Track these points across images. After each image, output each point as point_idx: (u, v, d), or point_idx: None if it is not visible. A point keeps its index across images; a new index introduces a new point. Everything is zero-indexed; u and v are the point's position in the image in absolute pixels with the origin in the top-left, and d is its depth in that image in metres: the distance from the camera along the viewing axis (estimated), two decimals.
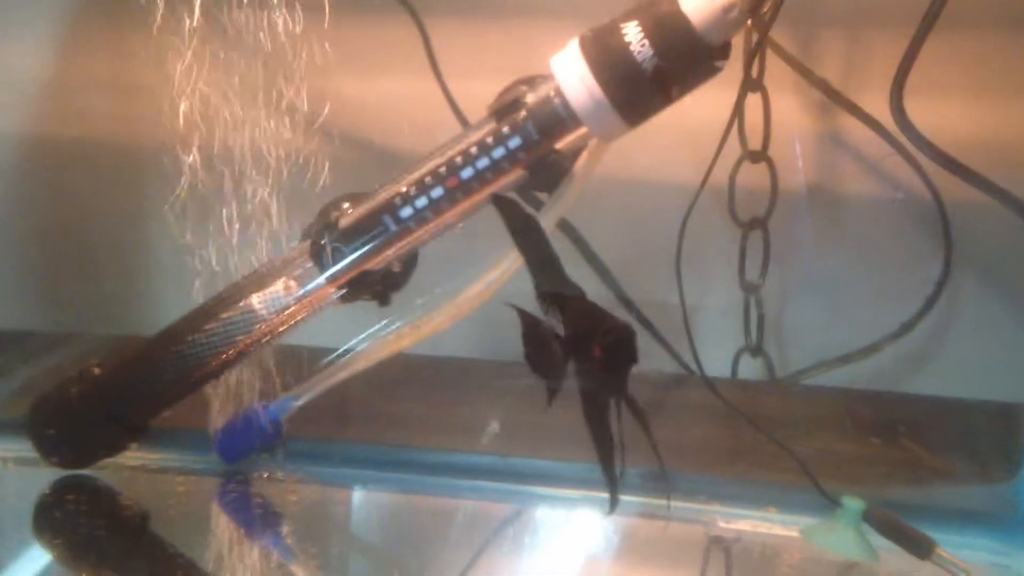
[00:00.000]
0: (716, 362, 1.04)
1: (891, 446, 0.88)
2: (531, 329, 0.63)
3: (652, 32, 0.64)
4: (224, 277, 0.79)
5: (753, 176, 0.99)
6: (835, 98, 0.93)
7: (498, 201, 0.68)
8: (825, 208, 1.01)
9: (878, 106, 0.91)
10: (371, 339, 0.78)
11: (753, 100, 0.95)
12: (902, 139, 0.89)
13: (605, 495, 0.61)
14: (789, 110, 0.96)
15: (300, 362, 0.80)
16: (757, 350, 1.04)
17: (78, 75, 1.04)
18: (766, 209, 1.00)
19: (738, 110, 0.95)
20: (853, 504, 0.71)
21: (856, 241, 1.01)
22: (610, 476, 0.61)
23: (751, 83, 0.91)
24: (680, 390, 0.99)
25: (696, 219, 0.99)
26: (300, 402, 0.78)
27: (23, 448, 0.79)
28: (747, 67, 0.89)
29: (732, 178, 0.99)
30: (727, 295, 1.03)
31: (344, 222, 0.72)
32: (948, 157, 0.83)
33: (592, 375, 0.59)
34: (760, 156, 0.98)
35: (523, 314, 0.64)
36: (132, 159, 1.01)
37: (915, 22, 0.84)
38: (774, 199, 1.00)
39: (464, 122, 0.93)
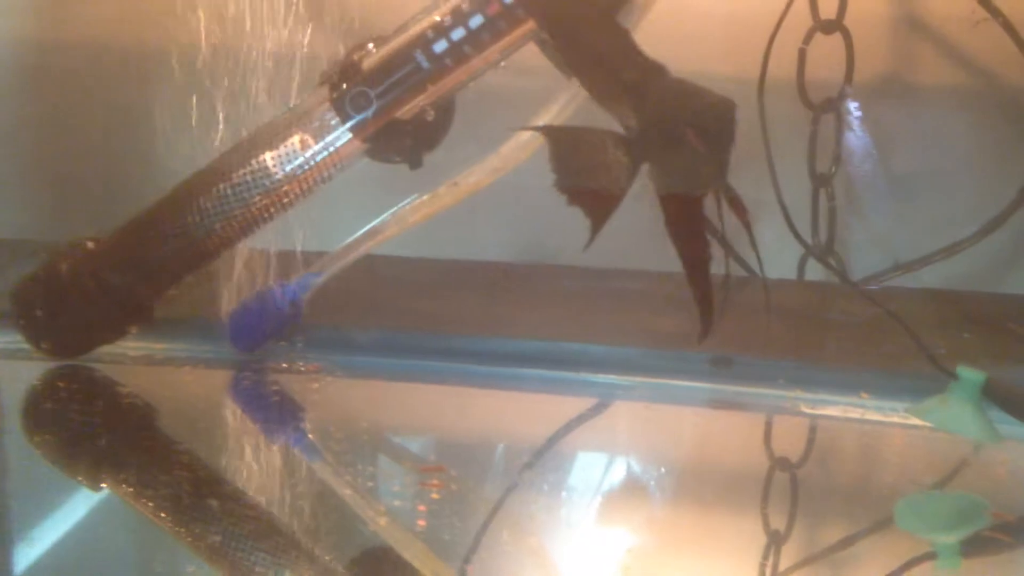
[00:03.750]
0: (778, 264, 0.94)
1: (990, 339, 0.77)
2: (569, 142, 0.54)
3: None
4: None
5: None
6: None
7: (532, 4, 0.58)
8: (903, 94, 0.93)
9: None
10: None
11: None
12: None
13: (654, 380, 0.52)
14: None
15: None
16: (827, 250, 0.94)
17: None
18: (839, 89, 0.90)
19: None
20: (971, 375, 0.60)
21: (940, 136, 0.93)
22: (705, 291, 0.51)
23: None
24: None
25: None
26: (322, 279, 0.68)
27: (10, 340, 0.70)
28: None
29: (802, 51, 0.89)
30: (792, 188, 0.93)
31: (368, 62, 0.63)
32: None
33: (681, 168, 0.49)
34: (834, 26, 0.88)
35: (550, 130, 0.55)
36: (138, 61, 0.96)
37: None
38: (849, 75, 0.90)
39: None
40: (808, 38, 0.90)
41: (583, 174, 0.55)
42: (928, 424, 0.62)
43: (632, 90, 0.54)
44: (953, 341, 0.76)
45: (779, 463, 0.61)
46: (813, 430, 0.66)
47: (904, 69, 0.94)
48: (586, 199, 0.55)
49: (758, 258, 0.58)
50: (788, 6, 0.83)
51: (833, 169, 0.93)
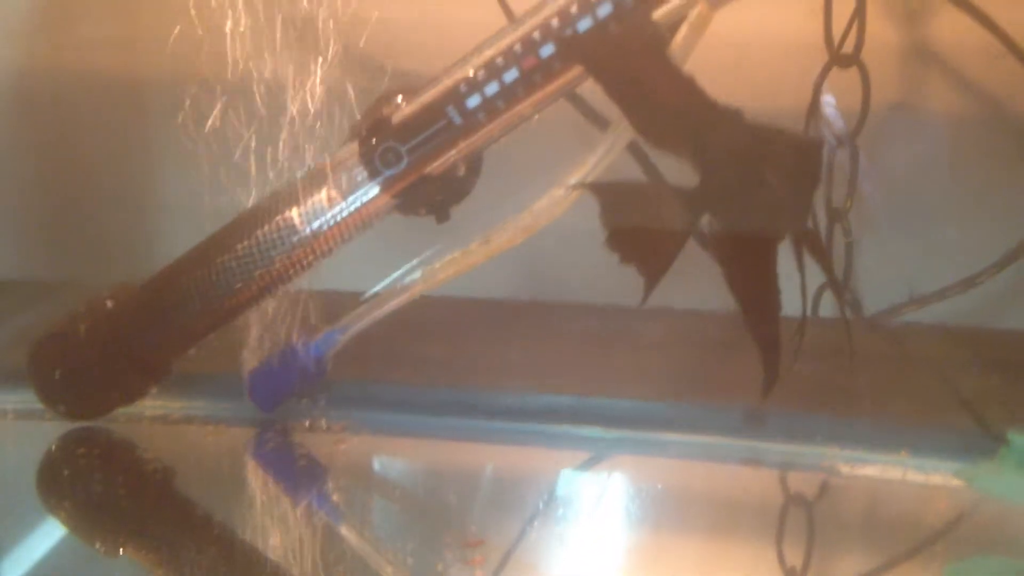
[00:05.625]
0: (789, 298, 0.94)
1: (1014, 383, 0.76)
2: (619, 199, 0.52)
3: None
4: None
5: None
6: None
7: (572, 43, 0.56)
8: (919, 123, 0.92)
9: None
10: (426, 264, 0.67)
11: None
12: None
13: (683, 438, 0.50)
14: (874, 8, 0.85)
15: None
16: (844, 283, 0.93)
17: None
18: (855, 122, 0.89)
19: (827, 7, 0.84)
20: (1021, 440, 0.59)
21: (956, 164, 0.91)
22: (773, 344, 0.50)
23: None
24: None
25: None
26: (347, 335, 0.66)
27: (25, 399, 0.68)
28: None
29: (817, 86, 0.88)
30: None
31: (399, 117, 0.61)
32: None
33: (758, 213, 0.48)
34: (851, 60, 0.87)
35: (597, 187, 0.53)
36: (136, 90, 0.94)
37: None
38: (865, 110, 0.89)
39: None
40: (824, 73, 0.88)
41: (638, 232, 0.53)
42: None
43: (696, 135, 0.52)
44: (981, 385, 0.75)
45: (818, 527, 0.60)
46: (852, 491, 0.65)
47: (918, 99, 0.93)
48: (640, 256, 0.54)
49: (841, 302, 0.56)
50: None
51: (849, 203, 0.92)
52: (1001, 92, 0.90)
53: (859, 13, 0.82)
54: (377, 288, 0.69)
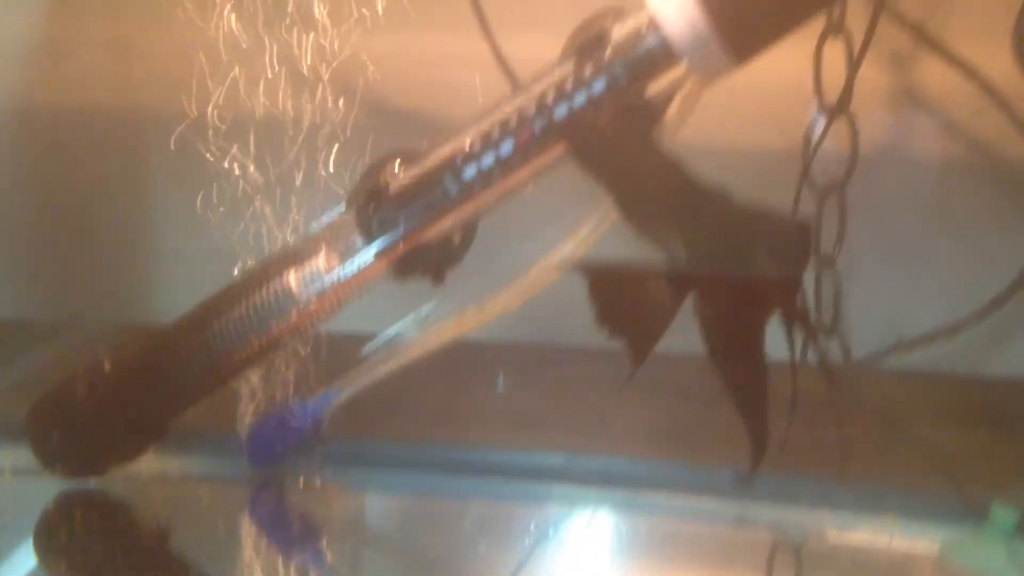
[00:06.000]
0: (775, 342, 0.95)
1: (1005, 436, 0.77)
2: (607, 280, 0.53)
3: None
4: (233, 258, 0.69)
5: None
6: (929, 44, 0.83)
7: (558, 129, 0.57)
8: (905, 171, 0.93)
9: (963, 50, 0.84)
10: (420, 321, 0.67)
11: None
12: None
13: (672, 498, 0.51)
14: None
15: (341, 351, 0.69)
16: (831, 330, 0.94)
17: (73, 36, 0.95)
18: (843, 173, 0.90)
19: (818, 58, 0.85)
20: (1005, 514, 0.60)
21: (942, 209, 0.93)
22: (761, 421, 0.51)
23: (833, 25, 0.81)
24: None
25: (761, 180, 0.90)
26: (343, 396, 0.67)
27: (22, 456, 0.68)
28: None
29: (807, 137, 0.89)
30: None
31: (396, 185, 0.62)
32: None
33: (746, 292, 0.49)
34: (840, 112, 0.88)
35: (585, 267, 0.55)
36: (134, 128, 0.94)
37: None
38: (854, 161, 0.90)
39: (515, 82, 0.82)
40: (813, 123, 0.90)
41: (624, 312, 0.54)
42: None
43: (684, 217, 0.53)
44: (967, 437, 0.76)
45: None
46: (839, 557, 0.65)
47: (905, 144, 0.94)
48: (627, 334, 0.54)
49: (826, 370, 0.57)
50: None
51: (837, 249, 0.93)
52: (988, 137, 0.91)
53: (849, 67, 0.84)
54: (373, 344, 0.70)
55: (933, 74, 0.87)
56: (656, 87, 0.59)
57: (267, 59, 0.70)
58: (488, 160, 0.60)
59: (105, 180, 0.97)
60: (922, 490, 0.67)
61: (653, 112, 0.59)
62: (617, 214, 0.56)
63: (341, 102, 0.70)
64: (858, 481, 0.70)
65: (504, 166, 0.61)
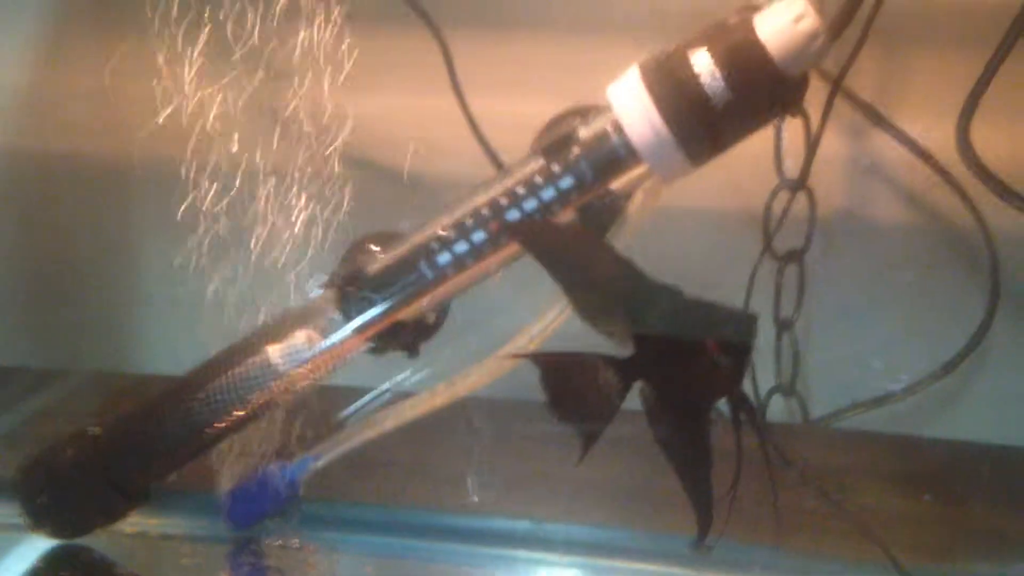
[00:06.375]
0: None
1: (947, 503, 0.81)
2: (558, 368, 0.57)
3: (725, 63, 0.58)
4: (218, 306, 0.71)
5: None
6: (881, 123, 0.87)
7: (515, 230, 0.61)
8: (861, 238, 0.96)
9: (917, 127, 0.88)
10: (394, 388, 0.71)
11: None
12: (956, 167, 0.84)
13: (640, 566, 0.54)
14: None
15: (317, 411, 0.72)
16: (790, 390, 0.98)
17: (62, 85, 0.98)
18: (803, 241, 0.94)
19: (777, 135, 0.89)
20: None
21: (895, 274, 0.96)
22: (706, 500, 0.54)
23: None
24: None
25: (724, 247, 0.94)
26: (320, 463, 0.70)
27: (7, 513, 0.71)
28: None
29: (768, 209, 0.94)
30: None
31: (373, 268, 0.65)
32: (1016, 194, 0.77)
33: (692, 381, 0.53)
34: (799, 186, 0.92)
35: (537, 357, 0.58)
36: (121, 177, 0.96)
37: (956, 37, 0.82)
38: (811, 232, 0.94)
39: (484, 142, 0.87)
40: (773, 195, 0.94)
41: (575, 398, 0.58)
42: None
43: (633, 313, 0.56)
44: (914, 505, 0.80)
45: None
46: None
47: (861, 211, 0.98)
48: (577, 420, 0.58)
49: (767, 454, 0.61)
50: None
51: (796, 315, 0.97)
52: (942, 206, 0.94)
53: (807, 146, 0.88)
54: (349, 410, 0.73)
55: (888, 145, 0.90)
56: (619, 184, 0.63)
57: (249, 112, 0.72)
58: (461, 247, 0.64)
59: (89, 227, 0.99)
60: (864, 559, 0.71)
61: (614, 207, 0.63)
62: (570, 305, 0.60)
63: (321, 154, 0.72)
64: (805, 549, 0.73)
65: (476, 252, 0.64)
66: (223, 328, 0.71)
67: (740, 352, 0.56)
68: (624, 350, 0.57)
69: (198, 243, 0.72)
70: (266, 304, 0.71)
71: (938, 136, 0.85)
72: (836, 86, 0.82)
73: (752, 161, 0.90)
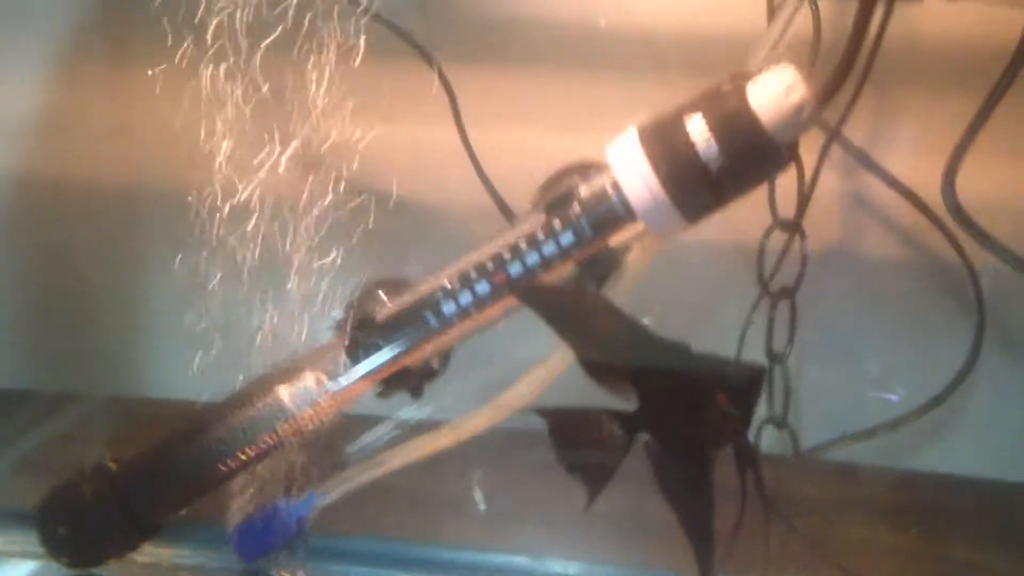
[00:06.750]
0: None
1: (934, 537, 0.84)
2: (565, 422, 0.60)
3: (719, 129, 0.61)
4: (227, 335, 0.74)
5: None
6: (873, 168, 0.90)
7: (522, 291, 0.64)
8: (852, 275, 0.99)
9: (906, 168, 0.90)
10: (400, 427, 0.74)
11: None
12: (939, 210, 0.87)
13: None
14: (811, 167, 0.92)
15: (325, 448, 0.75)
16: (782, 422, 1.01)
17: (77, 117, 1.00)
18: (795, 279, 0.97)
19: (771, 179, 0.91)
20: None
21: (885, 309, 0.99)
22: (708, 546, 0.58)
23: None
24: None
25: (718, 283, 0.97)
26: (327, 500, 0.73)
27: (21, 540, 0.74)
28: None
29: (762, 249, 0.96)
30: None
31: (381, 315, 0.68)
32: (1000, 246, 0.80)
33: (698, 432, 0.56)
34: (792, 226, 0.95)
35: (544, 412, 0.60)
36: (131, 204, 0.98)
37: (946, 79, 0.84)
38: (803, 270, 0.97)
39: (484, 177, 0.89)
40: (767, 234, 0.96)
41: (581, 450, 0.60)
42: None
43: (639, 369, 0.58)
44: (901, 539, 0.83)
45: None
46: None
47: (852, 246, 1.00)
48: (583, 471, 0.61)
49: (764, 500, 0.63)
50: None
51: (788, 350, 1.00)
52: (929, 243, 0.96)
53: (800, 192, 0.90)
54: (357, 446, 0.76)
55: (880, 183, 0.92)
56: (617, 239, 0.66)
57: (264, 143, 0.73)
58: (465, 298, 0.67)
59: (103, 254, 1.02)
60: None
61: (612, 260, 0.66)
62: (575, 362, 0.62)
63: (332, 185, 0.74)
64: None
65: (480, 303, 0.67)
66: (233, 354, 0.73)
67: (746, 403, 0.57)
68: (629, 404, 0.59)
69: (207, 269, 0.74)
70: (278, 333, 0.73)
71: (927, 178, 0.87)
72: (832, 136, 0.85)
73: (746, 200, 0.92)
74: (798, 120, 0.60)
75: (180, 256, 0.74)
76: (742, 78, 0.62)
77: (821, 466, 0.98)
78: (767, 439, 1.01)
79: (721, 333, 0.97)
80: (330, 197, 0.73)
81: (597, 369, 0.59)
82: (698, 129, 0.61)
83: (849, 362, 1.01)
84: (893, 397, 0.97)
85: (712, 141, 0.61)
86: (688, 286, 0.96)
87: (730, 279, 0.98)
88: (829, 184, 0.95)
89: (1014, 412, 0.98)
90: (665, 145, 0.62)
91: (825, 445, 1.00)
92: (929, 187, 0.87)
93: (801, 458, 0.98)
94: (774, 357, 1.00)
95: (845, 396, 1.01)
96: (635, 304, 0.91)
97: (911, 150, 0.93)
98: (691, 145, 0.61)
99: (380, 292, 0.70)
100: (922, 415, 0.97)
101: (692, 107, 0.62)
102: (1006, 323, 0.96)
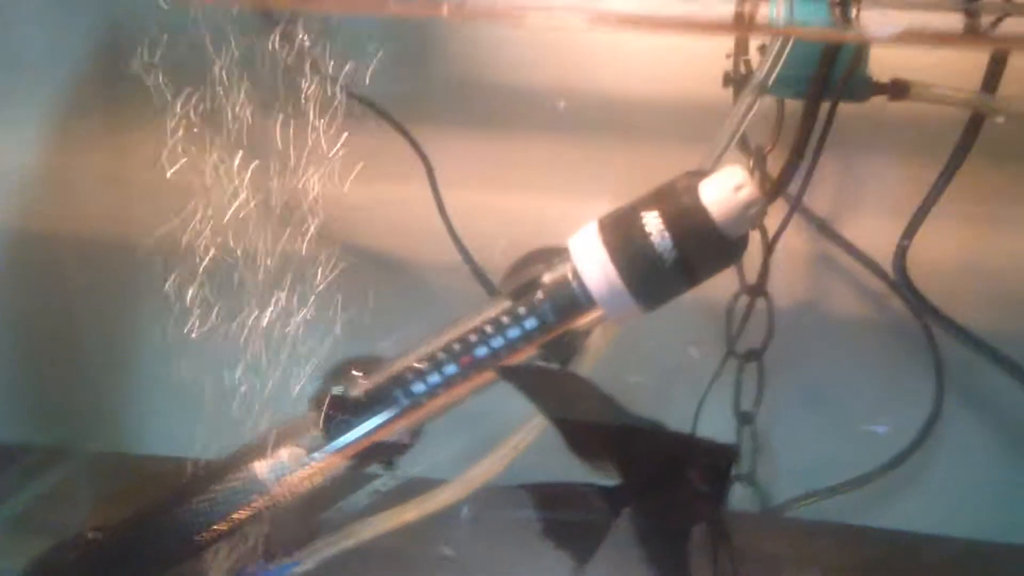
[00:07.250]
0: None
1: None
2: (550, 498, 0.63)
3: (673, 224, 0.64)
4: (217, 388, 0.76)
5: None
6: (835, 239, 0.93)
7: (510, 373, 0.67)
8: (818, 334, 1.02)
9: (867, 233, 0.93)
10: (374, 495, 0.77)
11: None
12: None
13: None
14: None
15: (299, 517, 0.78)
16: (750, 480, 1.04)
17: (72, 170, 1.02)
18: (762, 342, 1.00)
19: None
20: None
21: (850, 368, 1.01)
22: None
23: None
24: None
25: (686, 344, 1.00)
26: (301, 569, 0.76)
27: None
28: None
29: (729, 312, 0.99)
30: (718, 422, 1.02)
31: (354, 393, 0.71)
32: (953, 323, 0.83)
33: (676, 507, 0.59)
34: (758, 291, 0.98)
35: (533, 489, 0.63)
36: (126, 258, 0.97)
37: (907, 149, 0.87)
38: (770, 333, 0.99)
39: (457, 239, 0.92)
40: (735, 299, 0.99)
41: (567, 525, 0.64)
42: None
43: (619, 447, 0.62)
44: None
45: None
46: None
47: (818, 308, 1.03)
48: (569, 545, 0.64)
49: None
50: None
51: (755, 410, 1.03)
52: (892, 305, 0.98)
53: (764, 254, 0.94)
54: (331, 515, 0.79)
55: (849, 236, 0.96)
56: (579, 324, 0.69)
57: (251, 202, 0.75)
58: (434, 378, 0.70)
59: (97, 307, 1.04)
60: None
61: (573, 343, 0.69)
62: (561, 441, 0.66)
63: (317, 242, 0.75)
64: None
65: (448, 383, 0.70)
66: (223, 412, 0.75)
67: (721, 480, 0.61)
68: (611, 480, 0.62)
69: (199, 326, 0.75)
70: (265, 393, 0.75)
71: (891, 240, 0.90)
72: (793, 208, 0.88)
73: None
74: (747, 216, 0.63)
75: (171, 309, 0.75)
76: (696, 175, 0.65)
77: (785, 523, 1.00)
78: (736, 496, 1.03)
79: (694, 393, 1.00)
80: (319, 257, 0.75)
81: (582, 447, 0.62)
82: (654, 223, 0.64)
83: (817, 419, 1.03)
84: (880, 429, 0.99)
85: (667, 235, 0.64)
86: (659, 348, 0.98)
87: (701, 341, 1.01)
88: (796, 246, 0.98)
89: (977, 470, 1.01)
90: (623, 238, 0.65)
91: (790, 502, 1.02)
92: (891, 249, 0.90)
93: (769, 514, 1.01)
94: (742, 416, 1.03)
95: (812, 452, 1.03)
96: (609, 369, 0.96)
97: (872, 214, 0.95)
98: (647, 239, 0.64)
99: (353, 371, 0.73)
100: (885, 473, 1.00)
101: (649, 203, 0.65)
102: (966, 382, 0.98)
